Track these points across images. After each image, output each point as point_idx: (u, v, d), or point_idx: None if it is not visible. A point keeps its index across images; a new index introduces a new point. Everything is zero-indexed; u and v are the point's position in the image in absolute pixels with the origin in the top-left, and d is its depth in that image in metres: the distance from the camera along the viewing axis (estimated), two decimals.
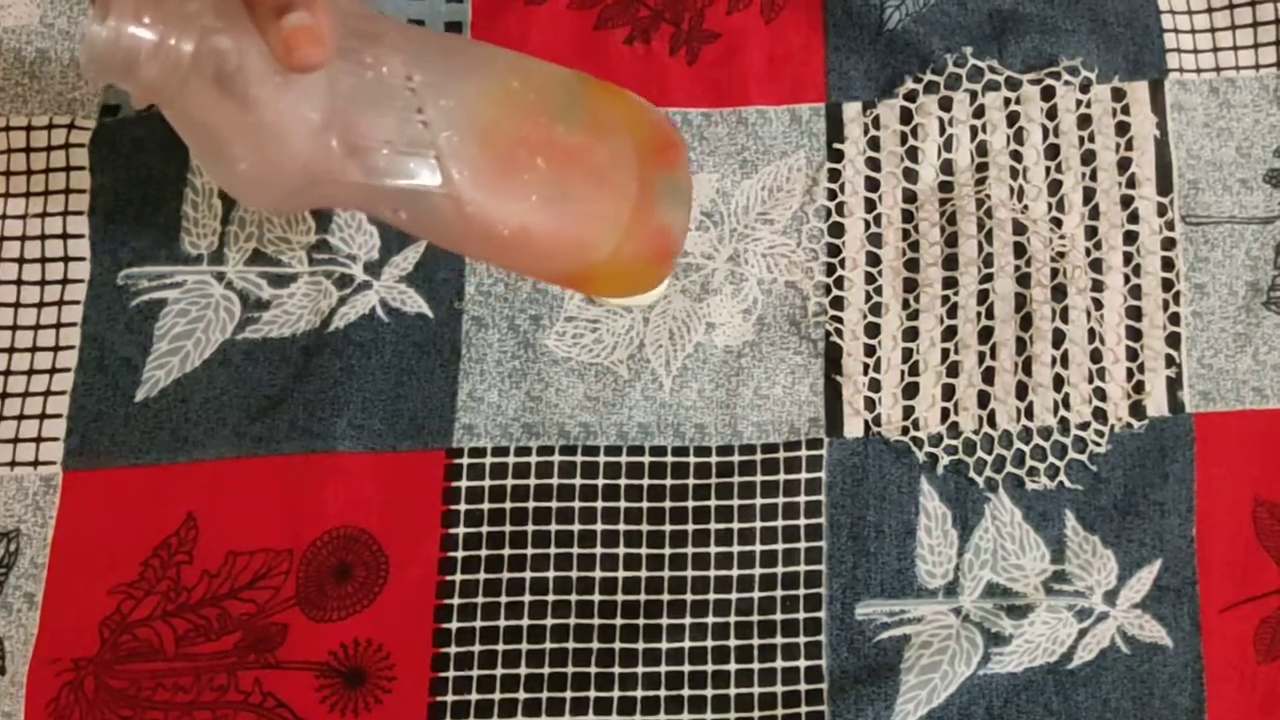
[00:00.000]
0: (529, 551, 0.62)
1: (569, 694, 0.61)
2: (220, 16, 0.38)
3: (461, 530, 0.63)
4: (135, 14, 0.37)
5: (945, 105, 0.68)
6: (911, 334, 0.66)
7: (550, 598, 0.62)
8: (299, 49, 0.38)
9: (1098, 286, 0.66)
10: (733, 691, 0.61)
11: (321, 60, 0.38)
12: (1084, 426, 0.64)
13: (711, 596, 0.62)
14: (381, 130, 0.42)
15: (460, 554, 0.62)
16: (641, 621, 0.61)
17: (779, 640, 0.61)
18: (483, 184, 0.45)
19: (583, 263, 0.50)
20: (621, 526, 0.63)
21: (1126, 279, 0.66)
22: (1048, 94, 0.68)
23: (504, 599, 0.62)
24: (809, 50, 0.69)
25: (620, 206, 0.49)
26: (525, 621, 0.62)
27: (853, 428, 0.64)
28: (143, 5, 0.37)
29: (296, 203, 0.45)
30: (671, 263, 0.53)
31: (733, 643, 0.61)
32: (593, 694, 0.61)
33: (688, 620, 0.62)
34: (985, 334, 0.65)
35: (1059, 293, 0.65)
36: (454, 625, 0.61)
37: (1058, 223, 0.67)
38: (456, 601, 0.62)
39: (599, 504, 0.63)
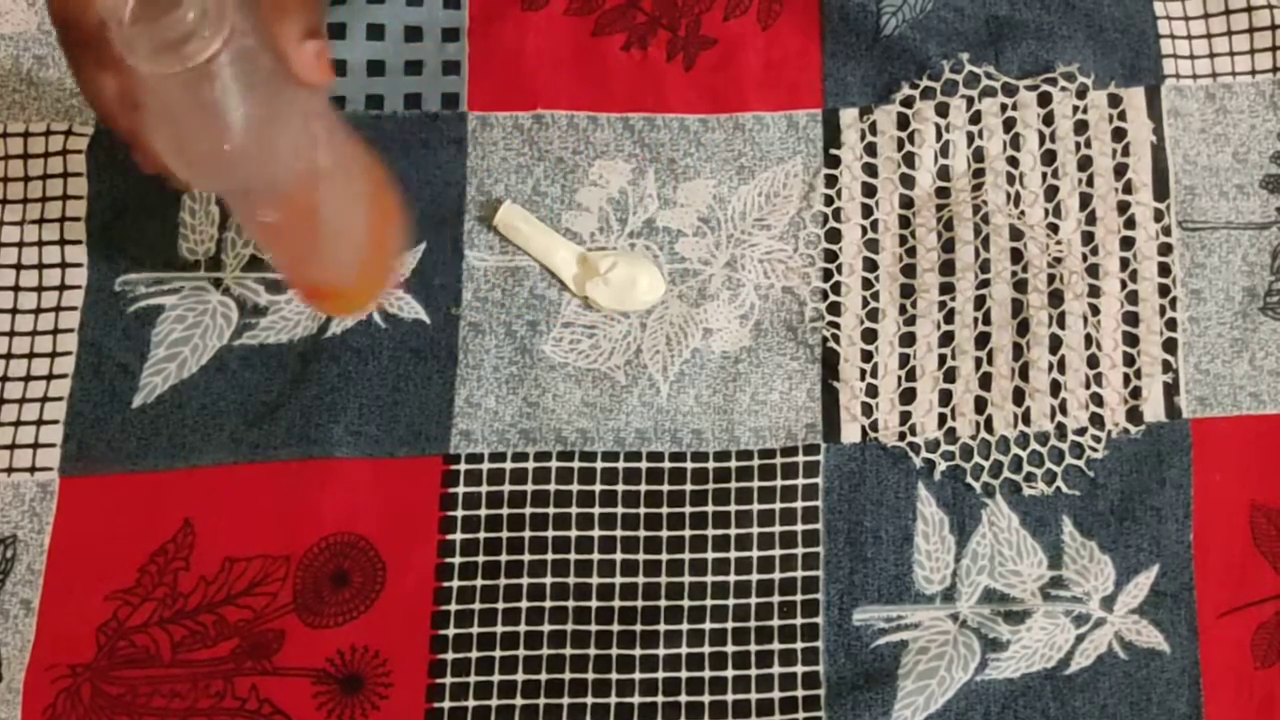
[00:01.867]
0: (526, 558, 0.62)
1: (566, 700, 0.61)
2: (244, 18, 0.43)
3: (459, 536, 0.62)
4: (215, 5, 0.42)
5: (942, 111, 0.68)
6: (909, 340, 0.66)
7: (547, 604, 0.62)
8: (320, 68, 0.46)
9: (1094, 292, 0.66)
10: (730, 698, 0.61)
11: (329, 81, 0.46)
12: (1081, 432, 0.64)
13: (709, 602, 0.62)
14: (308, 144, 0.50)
15: (457, 560, 0.62)
16: (639, 628, 0.61)
17: (776, 646, 0.61)
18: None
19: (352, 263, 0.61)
20: (619, 532, 0.63)
21: (1123, 284, 0.66)
22: (1044, 100, 0.68)
23: (501, 605, 0.62)
24: (806, 56, 0.69)
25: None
26: (522, 628, 0.61)
27: (850, 433, 0.64)
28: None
29: (232, 185, 0.51)
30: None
31: (730, 649, 0.61)
32: (590, 700, 0.61)
33: (685, 626, 0.61)
34: (982, 340, 0.65)
35: (1056, 298, 0.65)
36: (451, 631, 0.61)
37: (1054, 228, 0.67)
38: (454, 608, 0.62)
39: (596, 510, 0.63)
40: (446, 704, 0.60)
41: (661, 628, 0.61)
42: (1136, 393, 0.65)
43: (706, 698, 0.61)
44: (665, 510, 0.63)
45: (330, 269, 0.60)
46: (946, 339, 0.66)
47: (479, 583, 0.62)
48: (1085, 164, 0.67)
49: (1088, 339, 0.65)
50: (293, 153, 0.49)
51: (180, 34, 0.41)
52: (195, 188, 0.48)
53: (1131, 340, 0.66)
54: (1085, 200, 0.67)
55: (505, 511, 0.63)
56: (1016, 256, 0.66)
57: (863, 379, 0.65)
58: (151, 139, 0.46)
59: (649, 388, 0.65)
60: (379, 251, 0.62)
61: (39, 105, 0.68)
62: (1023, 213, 0.67)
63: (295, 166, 0.49)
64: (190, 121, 0.45)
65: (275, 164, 0.48)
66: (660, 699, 0.61)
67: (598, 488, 0.63)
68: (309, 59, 0.45)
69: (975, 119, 0.68)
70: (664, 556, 0.63)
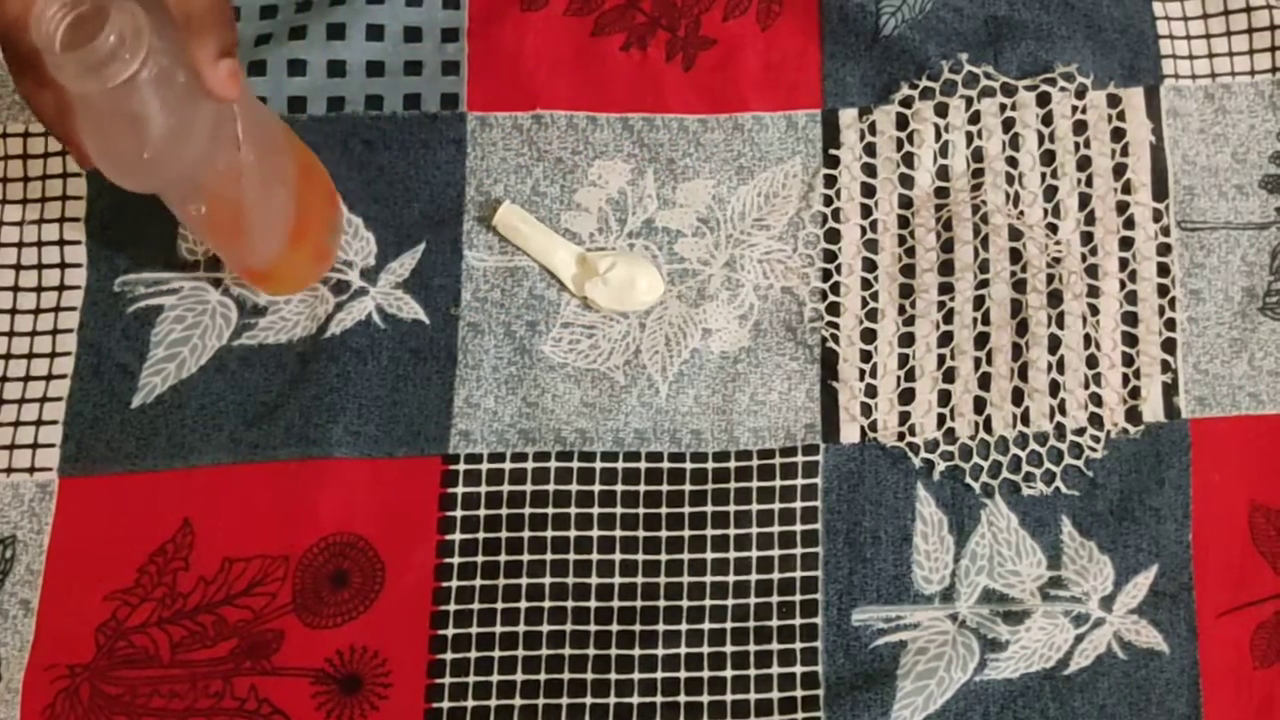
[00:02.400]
0: (525, 558, 0.62)
1: (565, 700, 0.61)
2: (160, 39, 0.47)
3: (458, 537, 0.62)
4: (132, 32, 0.46)
5: (941, 111, 0.68)
6: (908, 340, 0.66)
7: (546, 604, 0.62)
8: (231, 85, 0.50)
9: (1093, 292, 0.66)
10: (729, 698, 0.61)
11: (237, 96, 0.51)
12: (1080, 432, 0.64)
13: (708, 603, 0.62)
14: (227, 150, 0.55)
15: (456, 560, 0.62)
16: (638, 628, 0.61)
17: (775, 646, 0.61)
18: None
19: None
20: (618, 533, 0.63)
21: (1122, 285, 0.66)
22: (1043, 100, 0.68)
23: (500, 605, 0.62)
24: (805, 57, 0.69)
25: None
26: (521, 628, 0.61)
27: (849, 434, 0.64)
28: (129, 22, 0.46)
29: (155, 186, 0.55)
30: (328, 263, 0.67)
31: (729, 649, 0.61)
32: (589, 700, 0.61)
33: (684, 627, 0.61)
34: (981, 340, 0.65)
35: (1055, 299, 0.65)
36: (450, 632, 0.61)
37: (1053, 229, 0.67)
38: (453, 608, 0.62)
39: (595, 510, 0.63)
40: (445, 704, 0.60)
41: (660, 628, 0.61)
42: (1135, 393, 0.65)
43: (705, 698, 0.61)
44: (664, 510, 0.63)
45: (261, 252, 0.62)
46: (945, 339, 0.66)
47: (478, 583, 0.62)
48: (1084, 164, 0.67)
49: (1087, 339, 0.65)
50: (211, 155, 0.53)
51: (102, 57, 0.45)
52: (123, 186, 0.53)
53: (1130, 340, 0.66)
54: (1084, 200, 0.67)
55: (504, 512, 0.63)
56: (1015, 257, 0.66)
57: (862, 379, 0.65)
58: (83, 144, 0.52)
59: (648, 388, 0.65)
60: (310, 233, 0.64)
61: None
62: (1022, 213, 0.67)
63: (215, 166, 0.54)
64: (114, 131, 0.50)
65: (193, 166, 0.52)
66: (659, 699, 0.61)
67: (597, 488, 0.63)
68: (222, 77, 0.50)
69: (974, 119, 0.68)
70: (663, 557, 0.63)
